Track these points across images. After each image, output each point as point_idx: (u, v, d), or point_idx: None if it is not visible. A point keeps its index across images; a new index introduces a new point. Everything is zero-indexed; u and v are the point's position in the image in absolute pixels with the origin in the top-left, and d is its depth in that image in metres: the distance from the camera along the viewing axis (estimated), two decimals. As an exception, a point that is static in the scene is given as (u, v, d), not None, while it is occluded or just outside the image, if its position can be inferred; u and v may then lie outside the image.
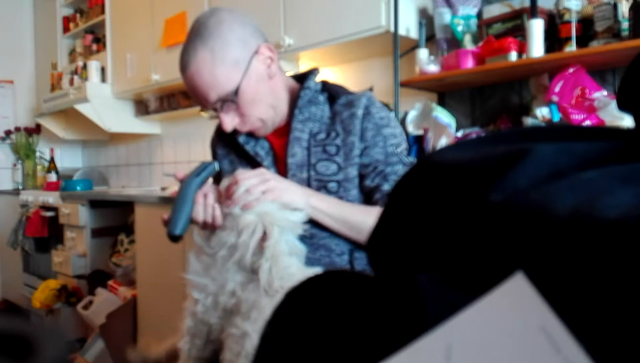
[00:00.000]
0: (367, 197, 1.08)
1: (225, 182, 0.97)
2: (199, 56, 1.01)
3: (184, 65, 1.03)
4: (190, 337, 0.95)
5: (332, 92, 1.13)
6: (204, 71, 1.01)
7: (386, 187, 1.05)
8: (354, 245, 1.05)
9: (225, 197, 0.94)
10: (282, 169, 1.10)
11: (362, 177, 1.07)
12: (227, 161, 1.19)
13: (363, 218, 1.00)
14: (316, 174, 1.06)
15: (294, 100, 1.12)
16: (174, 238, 0.94)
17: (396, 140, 1.08)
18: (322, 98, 1.12)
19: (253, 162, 1.13)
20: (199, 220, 0.96)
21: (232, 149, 1.18)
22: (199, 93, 1.03)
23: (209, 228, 0.97)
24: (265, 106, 1.08)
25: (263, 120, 1.09)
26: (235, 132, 1.13)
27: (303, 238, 0.95)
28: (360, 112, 1.06)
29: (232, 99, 1.03)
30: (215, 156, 1.24)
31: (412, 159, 1.10)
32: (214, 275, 0.92)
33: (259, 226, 0.88)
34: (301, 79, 1.16)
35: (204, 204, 0.96)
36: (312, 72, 1.16)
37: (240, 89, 1.03)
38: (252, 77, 1.04)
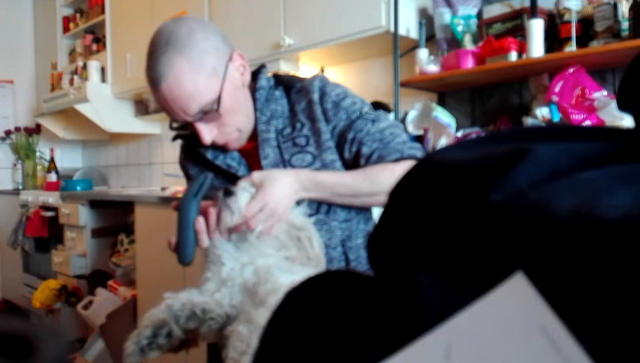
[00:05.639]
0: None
1: (230, 214, 0.93)
2: (175, 66, 0.96)
3: (158, 77, 0.98)
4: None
5: (286, 83, 1.11)
6: (184, 81, 0.96)
7: (365, 149, 1.03)
8: (345, 235, 1.06)
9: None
10: None
11: (341, 156, 1.06)
12: None
13: (360, 184, 1.00)
14: (292, 168, 1.05)
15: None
16: (186, 264, 0.95)
17: (356, 107, 1.06)
18: (278, 93, 1.11)
19: (228, 175, 1.10)
20: (205, 246, 0.93)
21: (203, 165, 1.16)
22: (178, 105, 0.98)
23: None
24: (242, 116, 1.06)
25: (240, 131, 1.07)
26: (204, 148, 1.11)
27: None
28: (316, 96, 1.05)
29: (213, 109, 1.00)
30: (188, 177, 1.22)
31: (379, 112, 1.08)
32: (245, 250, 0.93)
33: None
34: (252, 78, 1.13)
35: (207, 231, 0.92)
36: (260, 70, 1.13)
37: (221, 97, 1.00)
38: (229, 85, 1.02)
